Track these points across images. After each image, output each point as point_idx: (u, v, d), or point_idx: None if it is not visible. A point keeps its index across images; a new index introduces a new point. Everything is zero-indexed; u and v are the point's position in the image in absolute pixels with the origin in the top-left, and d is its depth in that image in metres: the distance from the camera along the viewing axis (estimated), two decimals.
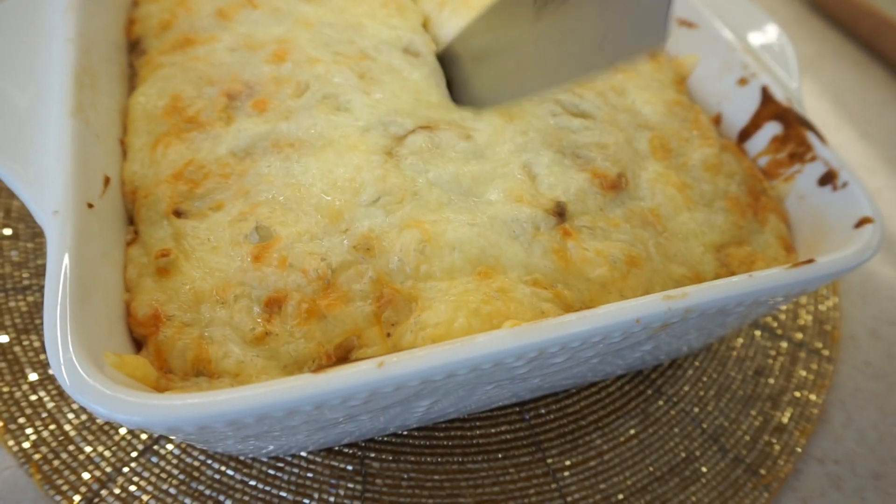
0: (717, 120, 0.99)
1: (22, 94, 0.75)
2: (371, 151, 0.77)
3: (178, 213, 0.72)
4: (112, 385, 0.53)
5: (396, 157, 0.77)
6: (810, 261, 0.70)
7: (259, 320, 0.65)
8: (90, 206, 0.64)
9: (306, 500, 0.75)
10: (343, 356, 0.65)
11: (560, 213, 0.75)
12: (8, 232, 0.97)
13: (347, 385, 0.54)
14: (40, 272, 0.93)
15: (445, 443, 0.82)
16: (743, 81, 0.96)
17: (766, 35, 1.05)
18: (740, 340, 1.04)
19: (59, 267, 0.56)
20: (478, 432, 0.83)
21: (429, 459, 0.79)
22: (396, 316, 0.67)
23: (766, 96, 0.93)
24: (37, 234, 0.97)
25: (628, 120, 0.89)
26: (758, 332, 1.05)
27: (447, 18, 1.03)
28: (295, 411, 0.54)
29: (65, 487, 0.74)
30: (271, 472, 0.77)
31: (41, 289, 0.91)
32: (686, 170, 0.86)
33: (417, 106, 0.85)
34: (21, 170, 0.63)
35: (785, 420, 0.95)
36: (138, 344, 0.66)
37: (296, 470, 0.77)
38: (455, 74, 0.91)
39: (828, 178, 0.84)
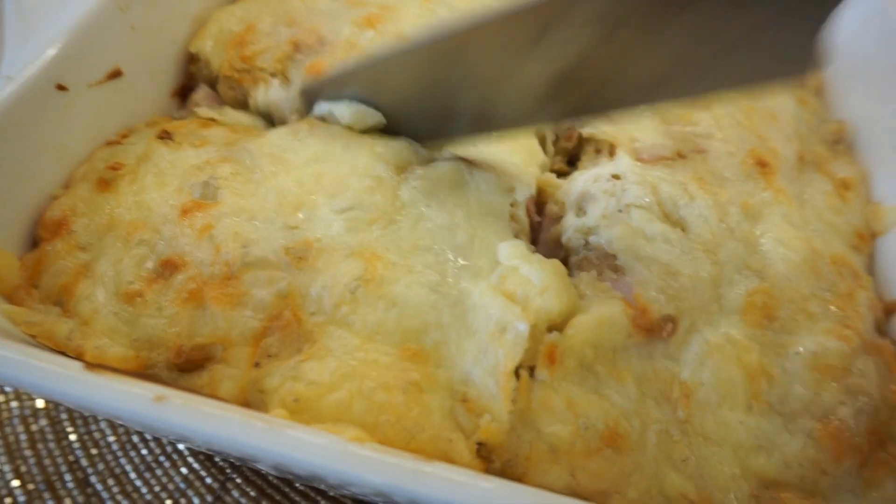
0: (890, 309, 0.67)
1: None
2: (382, 159, 0.63)
3: (163, 135, 0.66)
4: None
5: (406, 175, 0.63)
6: None
7: (143, 276, 0.56)
8: (61, 87, 0.60)
9: (162, 493, 0.65)
10: (198, 361, 0.54)
11: (554, 330, 0.55)
12: None
13: (111, 402, 0.42)
14: None
15: None
16: None
17: None
18: None
19: None
20: None
21: None
22: (279, 347, 0.54)
23: None
24: None
25: (737, 254, 0.63)
26: None
27: None
28: (51, 398, 0.44)
29: None
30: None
31: None
32: (780, 354, 0.58)
33: None
34: (23, 23, 0.61)
35: None
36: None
37: (167, 464, 0.67)
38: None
39: None
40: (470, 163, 0.65)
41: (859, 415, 0.57)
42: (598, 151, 0.74)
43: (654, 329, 0.56)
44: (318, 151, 0.63)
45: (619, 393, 0.53)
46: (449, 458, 0.49)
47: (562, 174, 0.74)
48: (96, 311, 0.55)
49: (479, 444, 0.51)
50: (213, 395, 0.52)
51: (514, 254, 0.56)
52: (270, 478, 0.68)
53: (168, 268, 0.56)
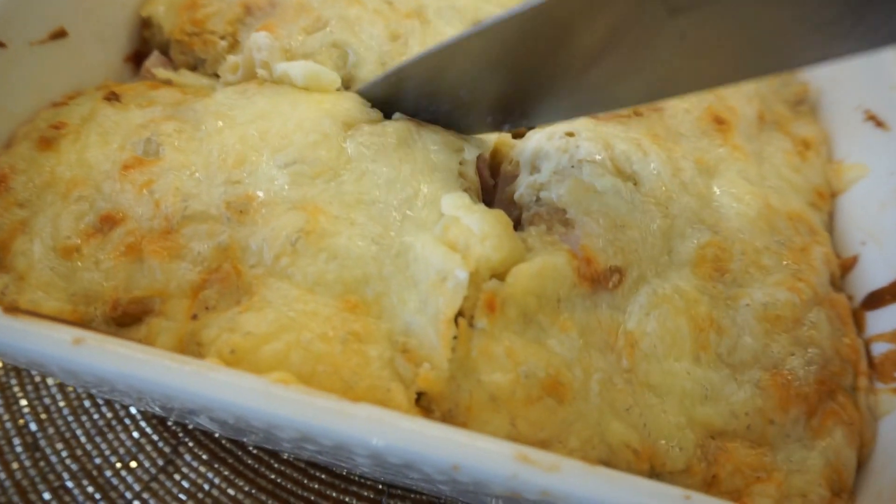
0: (847, 265, 0.67)
1: None
2: (329, 115, 0.62)
3: (110, 96, 0.65)
4: None
5: (353, 132, 0.62)
6: None
7: (81, 231, 0.55)
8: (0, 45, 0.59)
9: (112, 457, 0.64)
10: (135, 314, 0.53)
11: (497, 277, 0.54)
12: None
13: (28, 345, 0.42)
14: None
15: (277, 479, 0.66)
16: None
17: None
18: None
19: None
20: (316, 485, 0.66)
21: (239, 483, 0.64)
22: (218, 299, 0.53)
23: None
24: None
25: (690, 208, 0.62)
26: None
27: None
28: None
29: None
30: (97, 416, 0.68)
31: None
32: (731, 306, 0.57)
33: None
34: None
35: None
36: None
37: (119, 428, 0.66)
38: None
39: None
40: (419, 123, 0.64)
41: (809, 365, 0.56)
42: None
43: (600, 280, 0.55)
44: (264, 108, 0.63)
45: (562, 342, 0.52)
46: (388, 408, 0.49)
47: (521, 135, 0.73)
48: (32, 266, 0.54)
49: (420, 393, 0.50)
50: None
51: (456, 204, 0.55)
52: (223, 441, 0.67)
53: (107, 223, 0.55)
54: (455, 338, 0.51)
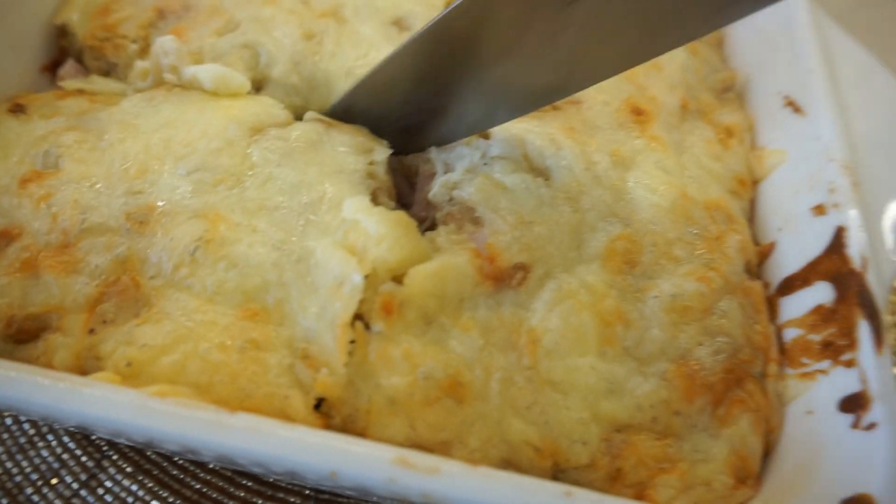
0: (765, 251, 0.67)
1: None
2: (235, 120, 0.61)
3: (14, 108, 0.64)
4: None
5: (260, 137, 0.61)
6: None
7: None
8: None
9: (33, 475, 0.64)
10: (32, 331, 0.52)
11: (399, 280, 0.54)
12: None
13: None
14: None
15: (202, 489, 0.65)
16: (820, 210, 0.63)
17: None
18: None
19: None
20: (242, 493, 0.65)
21: (164, 494, 0.64)
22: (115, 313, 0.52)
23: (837, 243, 0.59)
24: None
25: (603, 202, 0.62)
26: None
27: None
28: None
29: None
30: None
31: None
32: (639, 299, 0.57)
33: None
34: None
35: None
36: None
37: (41, 444, 0.66)
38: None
39: (853, 405, 0.51)
40: (329, 125, 0.64)
41: (717, 355, 0.56)
42: None
43: (503, 278, 0.55)
44: (170, 116, 0.62)
45: (463, 343, 0.52)
46: (286, 415, 0.49)
47: None
48: None
49: (320, 400, 0.50)
50: (49, 365, 0.51)
51: (356, 207, 0.55)
52: (148, 454, 0.67)
53: (3, 239, 0.55)
54: (353, 342, 0.50)
